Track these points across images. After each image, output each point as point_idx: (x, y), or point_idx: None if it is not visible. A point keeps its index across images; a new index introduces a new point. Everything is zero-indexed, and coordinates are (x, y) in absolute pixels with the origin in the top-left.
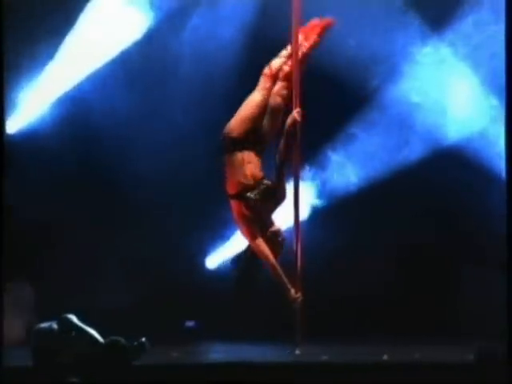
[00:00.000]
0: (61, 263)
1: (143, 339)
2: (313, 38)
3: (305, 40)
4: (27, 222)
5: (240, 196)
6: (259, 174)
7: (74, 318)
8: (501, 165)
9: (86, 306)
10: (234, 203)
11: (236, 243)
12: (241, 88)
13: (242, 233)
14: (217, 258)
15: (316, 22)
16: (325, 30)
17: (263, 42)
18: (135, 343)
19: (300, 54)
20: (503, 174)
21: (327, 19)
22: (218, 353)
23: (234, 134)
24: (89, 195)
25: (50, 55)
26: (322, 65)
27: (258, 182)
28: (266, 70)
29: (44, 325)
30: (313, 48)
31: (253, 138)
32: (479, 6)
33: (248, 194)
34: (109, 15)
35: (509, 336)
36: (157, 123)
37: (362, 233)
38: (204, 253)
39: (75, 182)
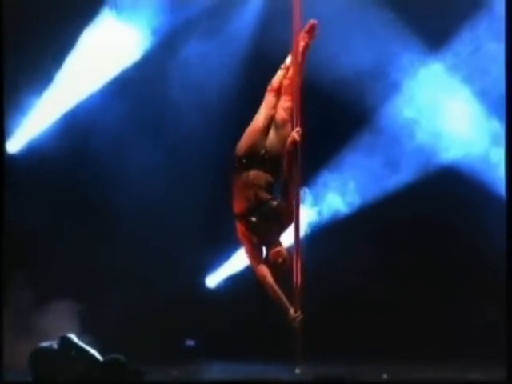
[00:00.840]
0: (58, 280)
1: (140, 367)
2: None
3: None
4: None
5: (242, 217)
6: (264, 195)
7: (73, 338)
8: (501, 185)
9: (83, 325)
10: (237, 223)
11: (237, 262)
12: (242, 106)
13: (245, 251)
14: (217, 276)
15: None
16: (311, 33)
17: (265, 60)
18: (133, 371)
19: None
20: (503, 192)
21: (310, 23)
22: (218, 371)
23: (241, 151)
24: (88, 213)
25: (51, 76)
26: (318, 83)
27: (262, 204)
28: (269, 86)
29: (44, 344)
30: (305, 54)
31: (260, 154)
32: (478, 24)
33: (249, 216)
34: (108, 38)
35: (508, 354)
36: (159, 137)
37: (362, 252)
38: (205, 271)
39: (75, 198)
